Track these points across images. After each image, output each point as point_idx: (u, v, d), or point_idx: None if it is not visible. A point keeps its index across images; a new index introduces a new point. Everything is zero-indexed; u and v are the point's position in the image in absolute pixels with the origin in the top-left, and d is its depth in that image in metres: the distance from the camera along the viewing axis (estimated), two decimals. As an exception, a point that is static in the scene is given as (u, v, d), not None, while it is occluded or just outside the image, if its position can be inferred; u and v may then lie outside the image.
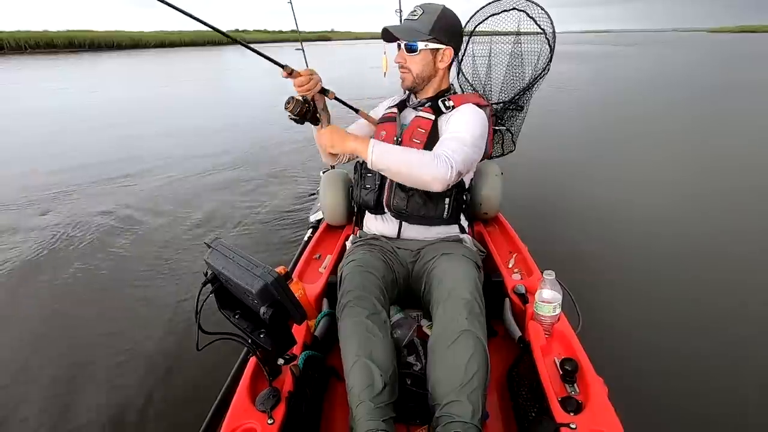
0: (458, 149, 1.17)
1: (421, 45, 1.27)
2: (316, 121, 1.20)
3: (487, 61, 1.84)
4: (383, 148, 1.13)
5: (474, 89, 1.85)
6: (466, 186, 1.40)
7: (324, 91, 1.21)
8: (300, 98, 1.15)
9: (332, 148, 1.18)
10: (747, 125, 6.17)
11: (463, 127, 1.23)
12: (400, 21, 1.75)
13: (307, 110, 1.16)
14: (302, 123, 1.18)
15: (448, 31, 1.29)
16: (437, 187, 1.13)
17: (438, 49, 1.29)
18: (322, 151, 1.41)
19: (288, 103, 1.15)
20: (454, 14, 1.32)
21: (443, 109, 1.31)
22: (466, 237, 1.41)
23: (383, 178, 1.37)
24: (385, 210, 1.38)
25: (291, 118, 1.17)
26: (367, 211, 1.47)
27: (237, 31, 79.48)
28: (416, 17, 1.28)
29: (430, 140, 1.28)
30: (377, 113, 1.50)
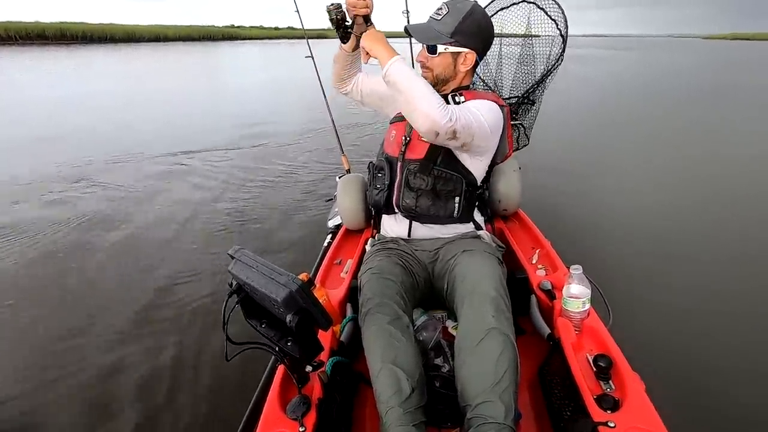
0: (466, 114, 1.14)
1: (440, 48, 1.24)
2: (346, 38, 1.23)
3: (497, 56, 1.82)
4: (401, 68, 1.12)
5: (486, 85, 1.83)
6: (479, 182, 1.36)
7: (366, 20, 1.22)
8: (340, 7, 1.21)
9: (365, 42, 1.20)
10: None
11: (475, 109, 1.20)
12: (408, 22, 1.75)
13: (340, 21, 1.22)
14: (333, 26, 1.24)
15: (473, 33, 1.24)
16: (424, 126, 1.08)
17: (459, 52, 1.26)
18: (338, 72, 1.44)
19: (330, 5, 1.22)
20: (483, 14, 1.27)
21: (453, 103, 1.29)
22: (484, 233, 1.38)
23: (392, 178, 1.35)
24: (396, 210, 1.37)
25: (330, 19, 1.24)
26: (382, 213, 1.46)
27: (233, 27, 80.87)
28: (439, 17, 1.23)
29: None
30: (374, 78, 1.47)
